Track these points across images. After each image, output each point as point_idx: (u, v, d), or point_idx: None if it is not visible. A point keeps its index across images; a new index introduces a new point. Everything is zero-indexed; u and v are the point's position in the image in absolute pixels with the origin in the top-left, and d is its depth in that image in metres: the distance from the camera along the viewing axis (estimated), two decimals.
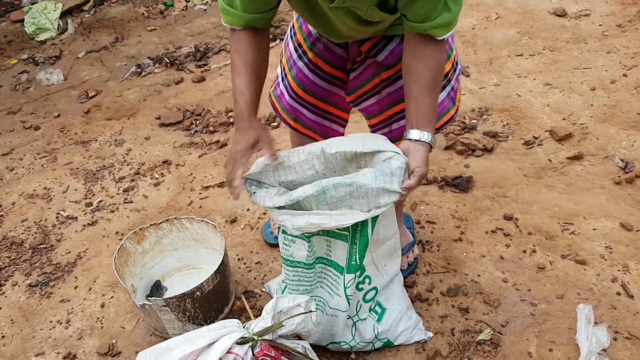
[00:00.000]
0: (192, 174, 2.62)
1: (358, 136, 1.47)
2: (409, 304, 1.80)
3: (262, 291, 1.99)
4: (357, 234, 1.50)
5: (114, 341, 1.88)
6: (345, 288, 1.58)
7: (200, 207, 2.40)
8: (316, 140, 1.85)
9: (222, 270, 1.81)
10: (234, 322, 1.48)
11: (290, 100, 1.78)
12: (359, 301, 1.67)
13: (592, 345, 1.62)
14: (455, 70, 1.64)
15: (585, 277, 1.91)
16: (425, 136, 1.39)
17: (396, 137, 1.53)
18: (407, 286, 1.91)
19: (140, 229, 1.94)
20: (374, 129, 1.72)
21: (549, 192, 2.27)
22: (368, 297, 1.68)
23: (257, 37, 1.50)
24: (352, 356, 1.75)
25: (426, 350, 1.73)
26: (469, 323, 1.81)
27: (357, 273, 1.56)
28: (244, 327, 1.48)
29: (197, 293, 1.75)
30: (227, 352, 1.40)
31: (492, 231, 2.12)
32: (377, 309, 1.72)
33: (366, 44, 1.56)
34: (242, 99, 1.48)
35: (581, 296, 1.84)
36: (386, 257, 1.66)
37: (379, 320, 1.71)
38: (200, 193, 2.49)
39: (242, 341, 1.42)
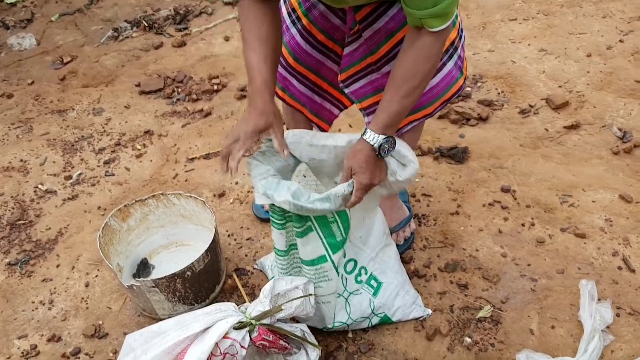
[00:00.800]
0: (175, 144, 2.51)
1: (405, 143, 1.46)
2: (407, 279, 1.75)
3: (254, 268, 1.92)
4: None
5: (100, 322, 1.80)
6: (336, 269, 1.52)
7: (186, 181, 2.29)
8: (306, 116, 1.76)
9: (213, 248, 1.73)
10: (230, 306, 1.40)
11: (280, 69, 1.68)
12: (342, 275, 1.61)
13: (595, 322, 1.59)
14: (460, 37, 1.55)
15: (585, 251, 1.87)
16: (371, 136, 1.33)
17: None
18: (404, 262, 1.86)
19: (125, 205, 1.84)
20: (367, 111, 1.61)
21: (546, 162, 2.21)
22: (348, 268, 1.62)
23: (270, 7, 1.39)
24: (350, 335, 1.70)
25: (425, 328, 1.69)
26: (468, 299, 1.76)
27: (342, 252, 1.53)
28: (240, 311, 1.41)
29: (188, 273, 1.67)
30: (224, 337, 1.34)
31: (489, 204, 2.06)
32: (373, 282, 1.67)
33: (362, 10, 1.46)
34: (259, 77, 1.37)
35: (582, 271, 1.80)
36: (359, 228, 1.60)
37: (375, 294, 1.66)
38: (185, 165, 2.38)
39: (239, 326, 1.35)
